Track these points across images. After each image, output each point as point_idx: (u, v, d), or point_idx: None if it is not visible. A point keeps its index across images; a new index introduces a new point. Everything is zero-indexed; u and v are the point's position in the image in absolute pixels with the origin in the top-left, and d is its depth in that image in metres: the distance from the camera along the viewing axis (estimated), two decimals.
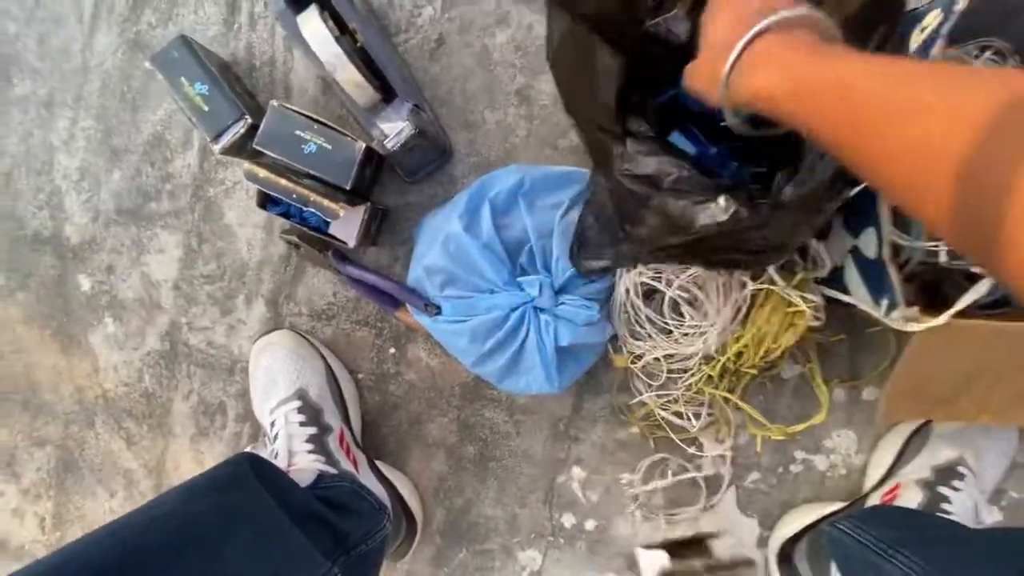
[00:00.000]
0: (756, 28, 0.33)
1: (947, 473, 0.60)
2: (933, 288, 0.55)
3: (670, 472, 0.68)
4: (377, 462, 0.67)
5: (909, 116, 0.25)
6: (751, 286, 0.54)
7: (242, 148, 0.59)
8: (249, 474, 0.48)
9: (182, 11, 0.65)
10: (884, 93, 0.26)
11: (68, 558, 0.35)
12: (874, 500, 0.62)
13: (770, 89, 0.32)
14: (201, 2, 0.65)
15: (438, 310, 0.61)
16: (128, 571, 0.35)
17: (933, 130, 0.24)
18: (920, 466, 0.61)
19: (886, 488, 0.62)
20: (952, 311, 0.46)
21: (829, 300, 0.56)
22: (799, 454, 0.68)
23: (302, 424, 0.60)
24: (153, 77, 0.64)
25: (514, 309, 0.59)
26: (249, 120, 0.58)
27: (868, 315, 0.51)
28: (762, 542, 0.69)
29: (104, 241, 0.69)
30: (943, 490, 0.58)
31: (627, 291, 0.59)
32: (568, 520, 0.71)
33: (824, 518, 0.64)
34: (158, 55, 0.57)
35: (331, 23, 0.53)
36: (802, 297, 0.53)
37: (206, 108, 0.57)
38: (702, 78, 0.39)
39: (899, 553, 0.50)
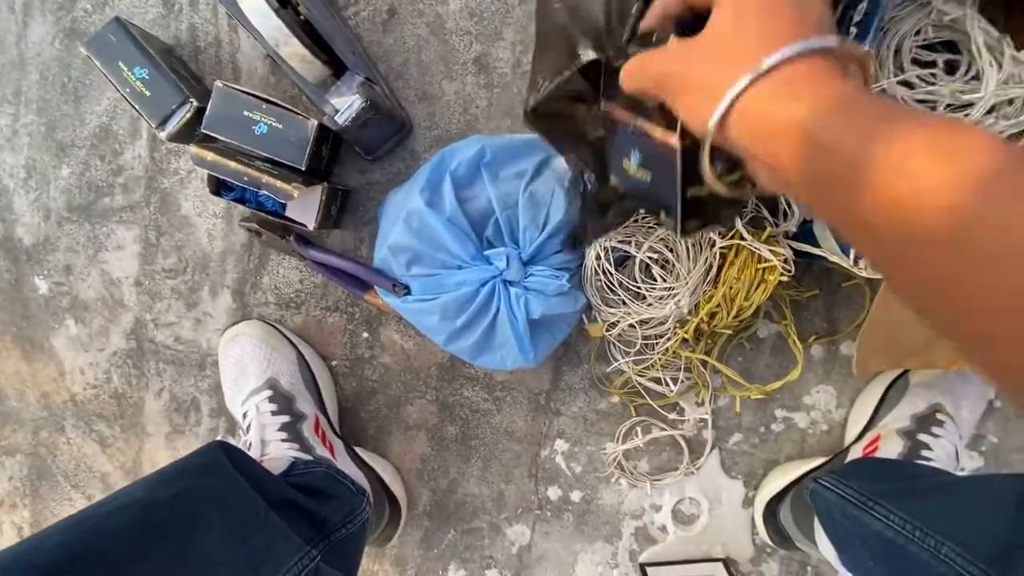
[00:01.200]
0: (813, 43, 0.26)
1: (926, 420, 0.60)
2: None
3: (654, 429, 0.68)
4: (357, 448, 0.66)
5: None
6: (720, 243, 0.53)
7: (191, 133, 0.57)
8: (222, 460, 0.46)
9: None
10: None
11: (13, 558, 0.33)
12: (856, 453, 0.62)
13: (803, 128, 0.25)
14: None
15: (406, 290, 0.60)
16: (86, 565, 0.34)
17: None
18: (899, 416, 0.61)
19: (867, 440, 0.62)
20: None
21: (800, 255, 0.56)
22: (780, 412, 0.68)
23: (274, 413, 0.59)
24: (93, 66, 0.62)
25: (483, 284, 0.57)
26: (195, 103, 0.56)
27: (842, 269, 0.51)
28: (748, 502, 0.70)
29: (58, 240, 0.67)
30: (923, 437, 0.59)
31: (597, 257, 0.58)
32: (554, 493, 0.70)
33: (807, 474, 0.65)
34: (92, 40, 0.55)
35: None
36: (771, 251, 0.52)
37: (148, 93, 0.55)
38: (690, 88, 0.30)
39: (879, 505, 0.50)
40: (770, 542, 0.69)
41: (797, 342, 0.62)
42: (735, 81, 0.26)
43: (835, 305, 0.66)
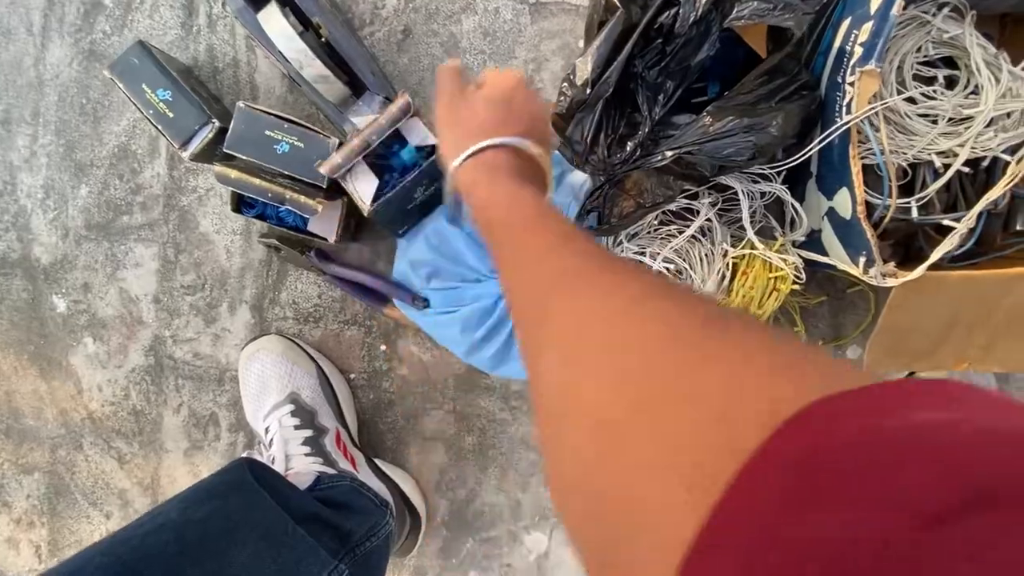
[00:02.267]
0: (470, 150, 0.40)
1: None
2: (905, 244, 0.57)
3: None
4: (376, 460, 0.67)
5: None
6: (732, 252, 0.55)
7: (212, 153, 0.58)
8: (248, 478, 0.47)
9: (137, 16, 0.63)
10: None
11: None
12: None
13: (474, 197, 0.38)
14: (156, 6, 0.63)
15: (426, 303, 0.61)
16: None
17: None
18: None
19: None
20: (927, 263, 0.47)
21: (808, 263, 0.58)
22: None
23: (297, 427, 0.60)
24: (112, 87, 0.63)
25: (501, 297, 0.59)
26: (217, 124, 0.57)
27: (847, 275, 0.53)
28: None
29: (76, 259, 0.67)
30: None
31: None
32: None
33: None
34: (116, 63, 0.56)
35: (293, 19, 0.52)
36: (782, 260, 0.54)
37: (171, 114, 0.56)
38: (445, 157, 0.43)
39: None
40: None
41: None
42: (463, 152, 0.40)
43: (840, 311, 0.67)
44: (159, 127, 0.56)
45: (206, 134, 0.57)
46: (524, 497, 0.71)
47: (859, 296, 0.66)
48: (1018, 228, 0.55)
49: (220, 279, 0.67)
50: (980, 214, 0.53)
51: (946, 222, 0.51)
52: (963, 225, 0.49)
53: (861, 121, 0.50)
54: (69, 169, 0.66)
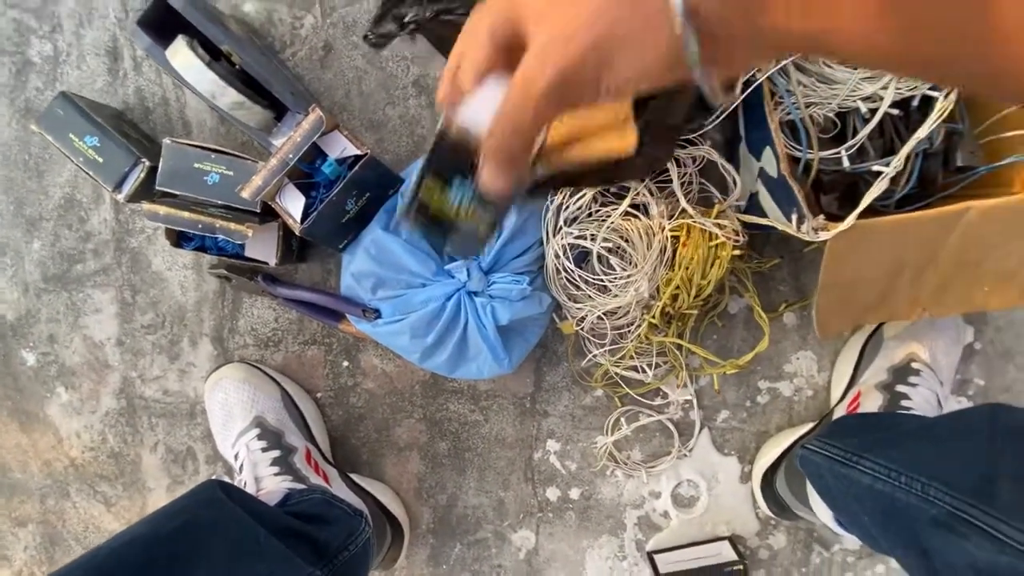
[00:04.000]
0: None
1: (902, 372, 0.60)
2: (853, 196, 0.55)
3: (641, 417, 0.68)
4: (352, 475, 0.67)
5: None
6: (668, 224, 0.54)
7: (148, 192, 0.59)
8: (218, 495, 0.48)
9: (65, 69, 0.64)
10: None
11: None
12: (840, 413, 0.63)
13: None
14: (83, 56, 0.64)
15: (376, 313, 0.61)
16: None
17: None
18: (877, 370, 0.62)
19: (849, 399, 0.63)
20: (855, 213, 0.46)
21: (753, 226, 0.57)
22: (763, 384, 0.68)
23: (264, 449, 0.60)
24: (48, 141, 0.64)
25: (448, 298, 0.59)
26: (147, 163, 0.57)
27: (788, 234, 0.51)
28: (745, 478, 0.70)
29: (39, 312, 0.69)
30: (901, 388, 0.59)
31: (556, 256, 0.59)
32: (553, 493, 0.71)
33: (797, 441, 0.65)
34: (42, 117, 0.57)
35: (200, 50, 0.52)
36: (717, 225, 0.53)
37: (101, 160, 0.57)
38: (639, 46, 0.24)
39: (863, 459, 0.50)
40: (771, 514, 0.69)
41: (762, 314, 0.62)
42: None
43: (800, 271, 0.66)
44: (90, 173, 0.57)
45: (138, 174, 0.57)
46: (506, 495, 0.71)
47: (817, 254, 0.65)
48: (959, 164, 0.54)
49: (178, 315, 0.68)
50: (914, 155, 0.52)
51: (877, 167, 0.50)
52: (891, 168, 0.47)
53: (774, 74, 0.49)
54: (20, 226, 0.67)
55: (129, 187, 0.58)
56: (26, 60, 0.65)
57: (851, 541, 0.70)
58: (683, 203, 0.53)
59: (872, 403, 0.59)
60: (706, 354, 0.65)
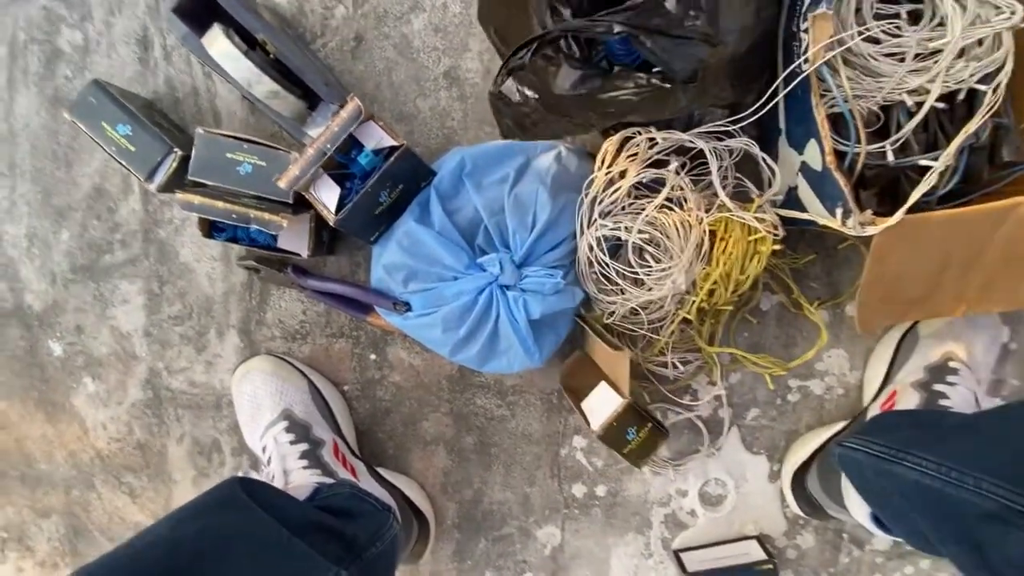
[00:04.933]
0: None
1: (940, 370, 0.59)
2: (892, 192, 0.54)
3: (670, 414, 0.68)
4: (378, 468, 0.67)
5: None
6: (707, 218, 0.53)
7: (179, 182, 0.58)
8: (239, 495, 0.47)
9: (95, 58, 0.64)
10: None
11: None
12: (874, 412, 0.62)
13: None
14: (112, 45, 0.64)
15: (407, 307, 0.61)
16: None
17: None
18: (913, 369, 0.61)
19: (883, 397, 0.62)
20: (905, 207, 0.45)
21: (790, 221, 0.56)
22: (794, 383, 0.68)
23: (292, 442, 0.60)
24: (79, 129, 0.63)
25: (480, 291, 0.58)
26: (179, 153, 0.57)
27: (829, 230, 0.51)
28: (774, 476, 0.69)
29: (66, 302, 0.68)
30: (939, 387, 0.58)
31: (590, 248, 0.58)
32: (579, 490, 0.70)
33: (829, 440, 0.64)
34: (75, 105, 0.56)
35: (237, 39, 0.52)
36: (757, 220, 0.52)
37: (133, 148, 0.56)
38: None
39: (908, 454, 0.49)
40: (802, 513, 0.68)
41: (812, 309, 0.61)
42: None
43: (834, 268, 0.65)
44: (123, 162, 0.57)
45: (170, 164, 0.57)
46: (532, 491, 0.70)
47: (852, 251, 0.64)
48: (1005, 160, 0.53)
49: (205, 306, 0.68)
50: (961, 150, 0.51)
51: (923, 162, 0.49)
52: (940, 163, 0.47)
53: (821, 68, 0.48)
54: (49, 215, 0.67)
55: (161, 177, 0.57)
56: (55, 49, 0.64)
57: (882, 542, 0.69)
58: (722, 196, 0.53)
59: (908, 402, 0.58)
60: (757, 358, 0.64)
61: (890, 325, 0.64)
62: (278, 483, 0.58)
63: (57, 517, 0.73)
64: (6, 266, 0.68)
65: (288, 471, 0.59)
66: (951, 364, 0.59)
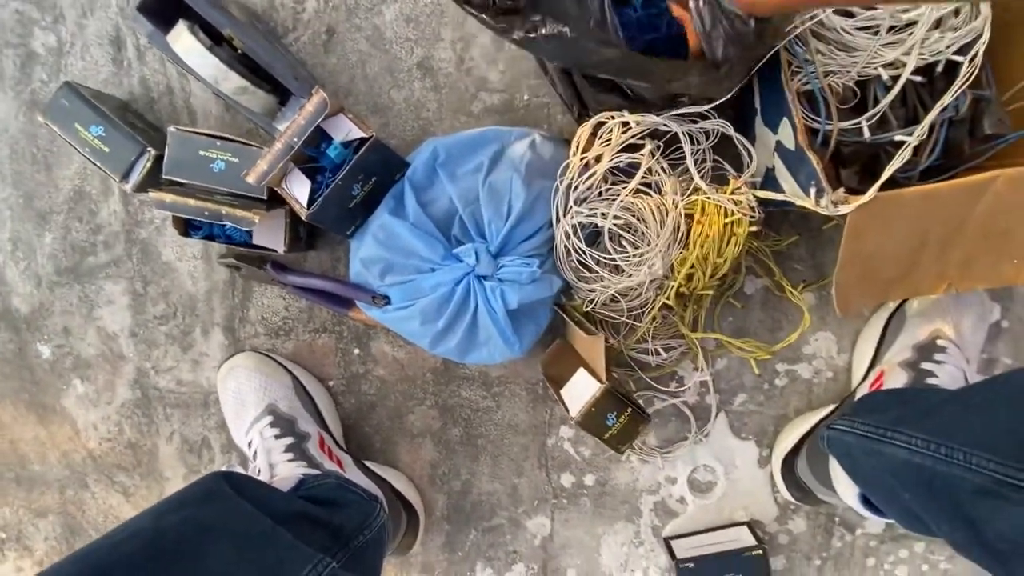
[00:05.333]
0: None
1: (927, 349, 0.58)
2: (874, 169, 0.53)
3: (656, 401, 0.67)
4: (366, 462, 0.67)
5: None
6: (683, 200, 0.53)
7: (155, 181, 0.59)
8: (222, 488, 0.47)
9: (69, 60, 0.64)
10: None
11: None
12: (862, 393, 0.61)
13: None
14: (86, 47, 0.64)
15: (386, 300, 0.60)
16: None
17: None
18: (900, 348, 0.60)
19: (871, 378, 0.61)
20: (876, 184, 0.44)
21: (769, 203, 0.55)
22: (781, 367, 0.67)
23: (277, 436, 0.60)
24: (55, 132, 0.64)
25: (457, 282, 0.58)
26: (153, 152, 0.57)
27: (806, 209, 0.50)
28: (763, 462, 0.69)
29: (53, 305, 0.69)
30: (927, 366, 0.57)
31: (567, 235, 0.58)
32: (567, 480, 0.70)
33: (819, 424, 0.63)
34: (48, 108, 0.56)
35: (202, 35, 0.52)
36: (733, 201, 0.51)
37: (107, 149, 0.57)
38: None
39: (897, 432, 0.48)
40: (792, 498, 0.67)
41: (796, 293, 0.61)
42: None
43: (818, 249, 0.64)
44: (97, 163, 0.57)
45: (144, 163, 0.57)
46: (520, 482, 0.70)
47: (836, 231, 0.63)
48: (986, 132, 0.51)
49: (189, 305, 0.68)
50: (939, 124, 0.50)
51: (899, 137, 0.48)
52: (914, 138, 0.46)
53: (792, 42, 0.47)
54: (31, 219, 0.67)
55: (136, 177, 0.57)
56: (30, 52, 0.64)
57: (874, 525, 0.69)
58: (696, 179, 0.52)
59: (896, 381, 0.58)
60: (741, 343, 0.63)
61: (871, 306, 0.63)
62: (264, 477, 0.58)
63: (53, 517, 0.74)
64: None
65: (274, 464, 0.59)
66: (939, 342, 0.58)
